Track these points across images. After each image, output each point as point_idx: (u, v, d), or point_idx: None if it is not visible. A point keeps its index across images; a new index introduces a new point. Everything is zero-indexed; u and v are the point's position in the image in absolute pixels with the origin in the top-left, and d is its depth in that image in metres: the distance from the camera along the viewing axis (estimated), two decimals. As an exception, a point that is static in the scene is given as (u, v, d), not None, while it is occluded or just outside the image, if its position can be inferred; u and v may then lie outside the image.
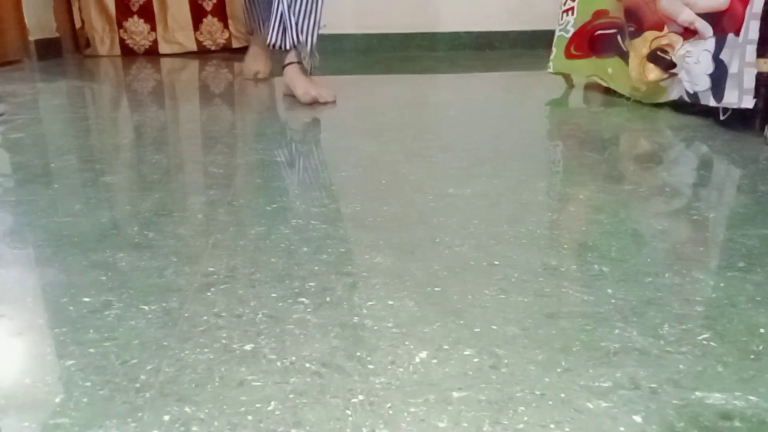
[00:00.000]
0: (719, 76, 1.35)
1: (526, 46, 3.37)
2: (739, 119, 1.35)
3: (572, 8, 1.87)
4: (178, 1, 3.23)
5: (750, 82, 1.26)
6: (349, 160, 1.11)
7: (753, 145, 1.21)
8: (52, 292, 0.61)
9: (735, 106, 1.30)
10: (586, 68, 1.88)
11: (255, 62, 2.16)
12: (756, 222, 0.80)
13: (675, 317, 0.56)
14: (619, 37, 1.73)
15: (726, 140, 1.25)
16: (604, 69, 1.80)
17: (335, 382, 0.47)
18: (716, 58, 1.36)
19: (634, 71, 1.62)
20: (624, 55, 1.68)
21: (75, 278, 0.64)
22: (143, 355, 0.50)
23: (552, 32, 1.99)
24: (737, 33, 1.30)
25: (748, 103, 1.27)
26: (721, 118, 1.36)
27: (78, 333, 0.54)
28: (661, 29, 1.54)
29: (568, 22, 1.89)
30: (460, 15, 3.32)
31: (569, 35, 1.88)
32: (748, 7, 1.26)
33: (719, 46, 1.36)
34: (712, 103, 1.37)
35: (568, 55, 1.91)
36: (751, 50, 1.26)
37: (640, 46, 1.58)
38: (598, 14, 1.81)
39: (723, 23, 1.36)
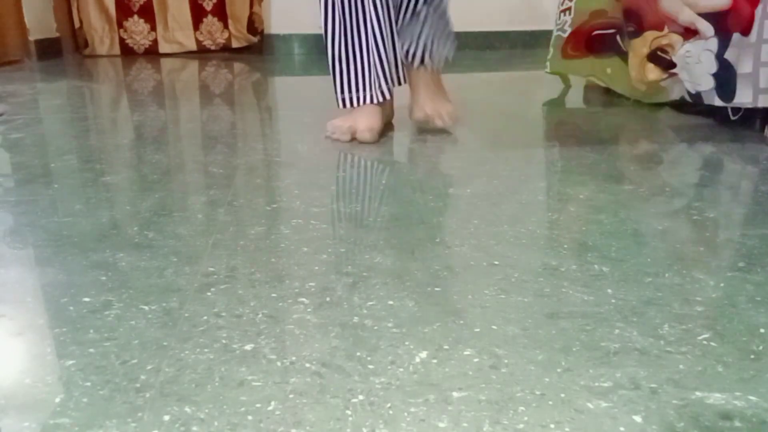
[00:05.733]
0: (725, 76, 1.35)
1: (526, 46, 3.37)
2: (739, 119, 1.35)
3: (569, 8, 1.87)
4: (178, 0, 3.23)
5: (766, 82, 1.27)
6: (349, 160, 1.11)
7: (753, 145, 1.21)
8: (52, 292, 0.61)
9: (750, 106, 1.30)
10: (583, 68, 1.88)
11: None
12: (756, 222, 0.80)
13: (675, 317, 0.56)
14: (618, 37, 1.73)
15: (726, 140, 1.25)
16: (603, 69, 1.80)
17: (335, 382, 0.47)
18: (720, 57, 1.36)
19: (634, 71, 1.62)
20: (623, 55, 1.68)
21: (75, 278, 0.64)
22: (143, 355, 0.50)
23: (552, 32, 1.99)
24: (744, 32, 1.30)
25: (766, 102, 1.27)
26: (732, 117, 1.36)
27: (78, 333, 0.54)
28: (661, 29, 1.54)
29: (566, 21, 1.89)
30: (460, 15, 3.31)
31: (566, 35, 1.89)
32: (760, 7, 1.26)
33: (723, 45, 1.36)
34: (718, 102, 1.36)
35: (565, 55, 1.91)
36: (767, 50, 1.26)
37: (640, 46, 1.58)
38: (596, 14, 1.81)
39: (727, 23, 1.36)
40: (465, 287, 0.62)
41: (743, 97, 1.31)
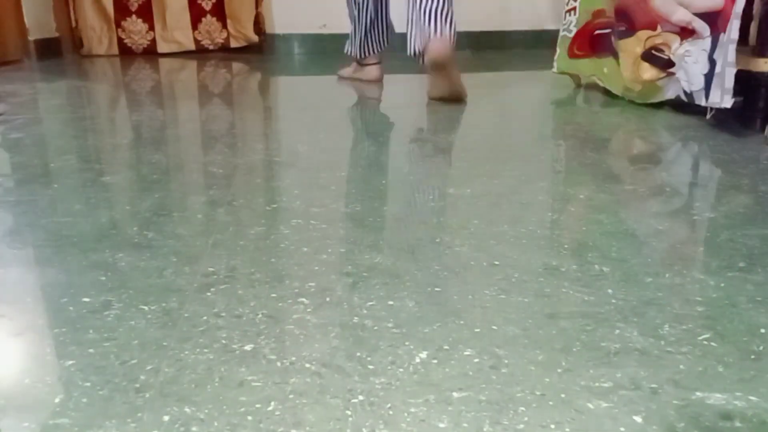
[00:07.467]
0: (711, 76, 1.35)
1: (526, 46, 3.37)
2: (739, 119, 1.35)
3: (574, 8, 1.88)
4: (177, 0, 3.23)
5: (730, 82, 1.26)
6: (349, 160, 1.11)
7: (753, 145, 1.21)
8: (52, 292, 0.61)
9: (718, 106, 1.31)
10: (588, 68, 1.89)
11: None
12: (756, 222, 0.80)
13: (675, 317, 0.56)
14: (612, 37, 1.73)
15: (726, 140, 1.25)
16: (601, 69, 1.80)
17: (335, 382, 0.47)
18: (711, 57, 1.36)
19: (627, 71, 1.61)
20: (617, 55, 1.68)
21: (75, 278, 0.64)
22: (143, 355, 0.50)
23: (552, 32, 1.99)
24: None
25: (727, 102, 1.27)
26: (707, 117, 1.36)
27: (78, 333, 0.54)
28: (654, 28, 1.54)
29: (571, 21, 1.90)
30: (460, 15, 3.31)
31: (572, 35, 1.89)
32: (734, 7, 1.27)
33: (714, 45, 1.36)
34: (703, 102, 1.37)
35: (572, 55, 1.91)
36: (732, 50, 1.26)
37: (634, 45, 1.58)
38: (598, 14, 1.81)
39: (718, 23, 1.36)
40: (465, 287, 0.62)
41: (714, 97, 1.31)
